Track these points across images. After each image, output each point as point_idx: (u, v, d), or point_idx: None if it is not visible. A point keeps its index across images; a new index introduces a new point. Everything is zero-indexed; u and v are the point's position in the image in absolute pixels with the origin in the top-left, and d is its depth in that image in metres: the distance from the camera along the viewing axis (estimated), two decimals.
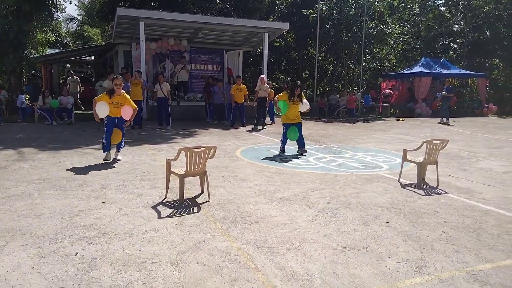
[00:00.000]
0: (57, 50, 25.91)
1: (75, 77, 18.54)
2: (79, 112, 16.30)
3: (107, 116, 7.07)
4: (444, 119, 17.07)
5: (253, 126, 13.74)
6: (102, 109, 6.92)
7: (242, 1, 22.47)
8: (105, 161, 7.23)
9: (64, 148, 8.55)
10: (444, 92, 17.31)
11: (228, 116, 14.38)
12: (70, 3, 78.50)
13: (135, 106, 7.35)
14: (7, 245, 3.52)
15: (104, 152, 7.30)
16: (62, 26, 35.93)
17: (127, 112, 7.15)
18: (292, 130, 8.49)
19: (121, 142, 7.51)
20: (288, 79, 30.10)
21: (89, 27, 37.17)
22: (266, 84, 13.80)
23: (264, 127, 13.70)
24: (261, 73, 17.28)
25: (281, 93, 8.64)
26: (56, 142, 9.38)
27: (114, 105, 7.02)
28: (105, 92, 7.15)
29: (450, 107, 18.45)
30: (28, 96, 15.99)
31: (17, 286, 2.83)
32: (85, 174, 6.29)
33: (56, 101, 13.55)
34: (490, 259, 3.44)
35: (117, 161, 7.33)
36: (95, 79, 25.41)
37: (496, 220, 4.46)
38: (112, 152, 7.54)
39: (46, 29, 21.49)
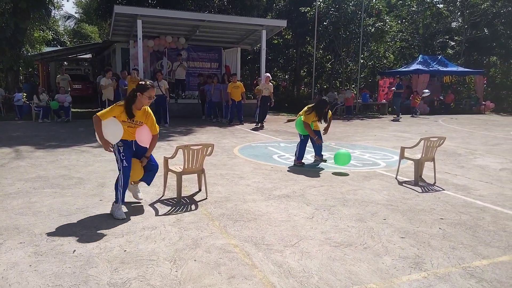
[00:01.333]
0: (54, 48, 25.84)
1: (65, 75, 18.43)
2: (76, 110, 16.25)
3: (121, 141, 4.35)
4: (400, 115, 17.61)
5: (254, 124, 13.43)
6: (113, 129, 4.27)
7: None
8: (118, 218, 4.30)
9: (61, 146, 8.53)
10: (393, 88, 17.78)
11: (226, 114, 14.37)
12: (68, 1, 78.31)
13: (157, 130, 4.55)
14: (4, 243, 3.52)
15: (116, 203, 4.36)
16: (59, 23, 35.84)
17: (143, 136, 4.48)
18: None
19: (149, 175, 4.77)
20: (286, 76, 30.09)
21: (87, 24, 37.05)
22: (270, 83, 13.49)
23: (263, 125, 13.35)
24: (259, 71, 17.28)
25: (307, 113, 7.00)
26: (54, 140, 9.36)
27: (130, 123, 4.33)
28: (119, 103, 4.36)
29: (402, 103, 19.05)
30: (25, 94, 15.93)
31: (14, 284, 2.83)
32: (82, 172, 6.28)
33: (56, 103, 13.50)
34: (486, 256, 3.46)
35: (139, 200, 4.86)
36: (93, 77, 25.37)
37: (493, 217, 4.48)
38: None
39: (43, 27, 21.37)
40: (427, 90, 19.79)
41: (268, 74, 13.64)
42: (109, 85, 12.05)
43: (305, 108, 7.20)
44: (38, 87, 14.64)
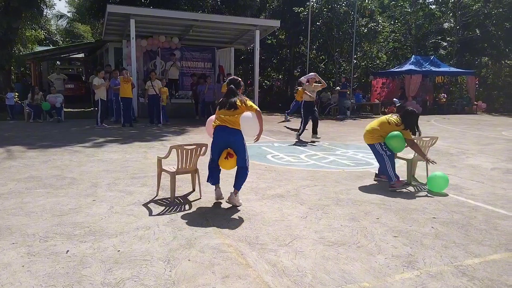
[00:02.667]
0: (47, 48, 25.65)
1: (61, 74, 18.32)
2: (69, 109, 16.15)
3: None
4: (347, 114, 18.02)
5: (297, 139, 10.61)
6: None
7: None
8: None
9: (54, 146, 8.48)
10: (337, 88, 18.08)
11: None
12: (60, 0, 77.66)
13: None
14: None
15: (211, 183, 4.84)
16: (51, 23, 35.56)
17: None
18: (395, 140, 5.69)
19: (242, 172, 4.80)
20: (280, 76, 30.11)
21: (79, 24, 36.79)
22: (315, 84, 10.55)
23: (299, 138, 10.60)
24: (253, 71, 17.27)
25: (404, 128, 5.66)
26: (46, 140, 9.30)
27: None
28: None
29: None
30: (17, 94, 15.81)
31: (6, 284, 2.81)
32: (75, 172, 6.25)
33: (48, 104, 13.39)
34: (478, 254, 3.50)
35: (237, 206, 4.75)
36: (85, 76, 25.21)
37: (485, 216, 4.53)
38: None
39: (35, 26, 21.23)
40: (397, 100, 20.44)
41: (313, 74, 10.75)
42: (102, 85, 11.98)
43: (385, 119, 5.79)
44: (33, 87, 14.47)
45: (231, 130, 4.58)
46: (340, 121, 16.56)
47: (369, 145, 5.97)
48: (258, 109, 4.69)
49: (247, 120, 4.57)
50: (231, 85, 4.76)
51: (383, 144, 5.75)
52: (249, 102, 4.67)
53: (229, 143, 4.65)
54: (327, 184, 5.82)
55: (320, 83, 10.63)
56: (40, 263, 3.14)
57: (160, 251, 3.40)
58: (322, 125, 14.38)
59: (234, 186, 4.74)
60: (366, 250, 3.53)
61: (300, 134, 10.57)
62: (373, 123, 5.95)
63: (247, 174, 4.82)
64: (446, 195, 5.38)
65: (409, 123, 5.67)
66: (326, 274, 3.08)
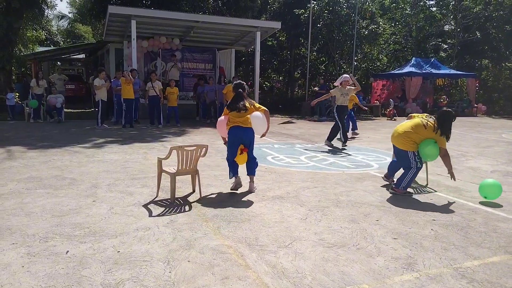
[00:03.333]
0: (48, 48, 25.70)
1: (62, 75, 18.31)
2: (69, 110, 16.17)
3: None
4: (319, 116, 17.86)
5: (334, 144, 9.72)
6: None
7: (234, 0, 22.47)
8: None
9: (54, 147, 8.49)
10: (316, 88, 18.13)
11: (219, 115, 14.36)
12: (61, 1, 77.76)
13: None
14: None
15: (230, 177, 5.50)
16: (52, 23, 35.63)
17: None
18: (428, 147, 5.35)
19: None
20: (280, 78, 30.13)
21: (81, 24, 36.86)
22: (348, 87, 9.40)
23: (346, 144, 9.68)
24: (253, 72, 17.29)
25: (440, 134, 5.25)
26: (46, 141, 9.31)
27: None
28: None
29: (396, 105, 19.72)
30: (17, 94, 15.81)
31: (6, 285, 2.82)
32: (75, 172, 6.25)
33: (35, 101, 13.31)
34: (477, 256, 3.50)
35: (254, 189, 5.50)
36: (86, 77, 25.25)
37: (484, 218, 4.53)
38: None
39: (37, 27, 21.28)
40: (392, 101, 20.61)
41: (347, 75, 9.63)
42: (103, 86, 12.00)
43: (420, 121, 5.31)
44: (37, 73, 14.29)
45: (244, 129, 5.29)
46: (319, 122, 16.51)
47: (399, 149, 5.44)
48: (266, 109, 5.45)
49: (257, 119, 5.21)
50: (239, 89, 5.38)
51: (416, 154, 5.30)
52: (257, 104, 5.41)
53: (243, 140, 5.34)
54: (327, 186, 5.82)
55: (354, 85, 9.58)
56: (40, 263, 3.15)
57: (160, 252, 3.41)
58: (322, 127, 14.40)
59: (249, 174, 5.54)
60: (365, 252, 3.54)
61: (345, 142, 9.50)
62: (406, 124, 5.43)
63: (257, 162, 5.63)
64: (500, 206, 5.03)
65: (446, 128, 5.22)
66: (326, 275, 3.08)
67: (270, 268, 3.18)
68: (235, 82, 5.59)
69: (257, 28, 16.47)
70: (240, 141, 5.32)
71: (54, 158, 7.32)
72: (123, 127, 12.27)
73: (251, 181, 5.51)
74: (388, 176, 5.96)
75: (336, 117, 9.46)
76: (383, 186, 5.89)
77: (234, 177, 5.47)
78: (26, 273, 2.98)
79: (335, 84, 9.70)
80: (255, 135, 5.44)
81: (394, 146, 5.59)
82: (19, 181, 5.66)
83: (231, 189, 5.47)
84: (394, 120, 18.55)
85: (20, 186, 5.40)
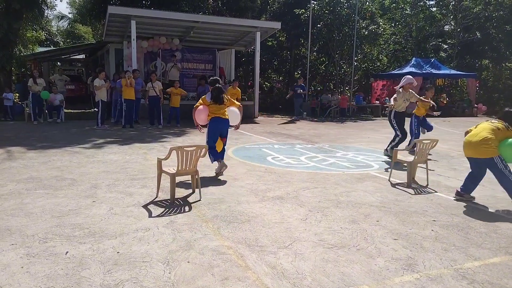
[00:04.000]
0: (48, 48, 25.68)
1: (63, 75, 18.27)
2: (69, 110, 16.16)
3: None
4: (298, 116, 17.69)
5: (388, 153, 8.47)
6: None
7: (234, 0, 22.45)
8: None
9: (54, 147, 8.48)
10: (296, 89, 17.83)
11: None
12: (61, 1, 77.72)
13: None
14: None
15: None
16: (52, 24, 35.62)
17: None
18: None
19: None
20: (280, 78, 30.13)
21: (80, 25, 36.84)
22: (410, 91, 8.15)
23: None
24: (253, 72, 17.28)
25: (502, 128, 4.93)
26: (46, 141, 9.30)
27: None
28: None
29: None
30: (17, 95, 15.79)
31: (5, 286, 2.81)
32: (75, 173, 6.24)
33: (47, 92, 13.11)
34: (478, 257, 3.49)
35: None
36: (86, 77, 25.22)
37: (484, 219, 4.52)
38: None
39: (36, 27, 21.25)
40: (388, 98, 20.47)
41: (410, 77, 8.18)
42: (103, 86, 11.99)
43: (491, 125, 4.98)
44: (32, 72, 13.93)
45: (223, 120, 6.19)
46: (293, 123, 16.27)
47: (482, 159, 4.96)
48: (240, 105, 6.50)
49: (234, 113, 6.34)
50: (217, 84, 6.17)
51: (501, 157, 4.89)
52: (231, 99, 6.43)
53: (222, 130, 6.21)
54: (327, 186, 5.81)
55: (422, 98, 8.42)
56: (39, 264, 3.14)
57: (160, 253, 3.40)
58: (322, 127, 14.40)
59: (219, 158, 6.24)
60: (365, 252, 3.53)
61: (394, 146, 7.99)
62: (480, 131, 4.98)
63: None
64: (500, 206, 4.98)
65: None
66: (326, 276, 3.07)
67: (270, 269, 3.18)
68: (211, 78, 6.39)
69: (257, 28, 16.47)
70: (220, 131, 6.18)
71: (54, 159, 7.31)
72: (123, 127, 12.26)
73: (220, 163, 6.20)
74: (465, 192, 5.30)
75: (395, 125, 8.19)
76: (383, 187, 5.88)
77: (216, 161, 6.21)
78: (25, 274, 2.98)
79: (396, 88, 8.27)
80: (230, 125, 6.42)
81: (472, 159, 5.10)
82: (19, 181, 5.66)
83: (216, 173, 6.19)
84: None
85: (20, 186, 5.39)
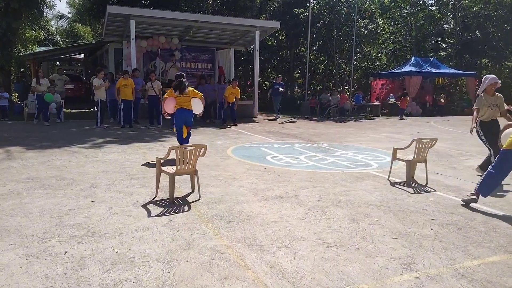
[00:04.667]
0: (47, 48, 25.67)
1: (63, 75, 18.24)
2: (68, 110, 16.15)
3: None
4: (278, 114, 17.48)
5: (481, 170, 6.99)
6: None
7: None
8: None
9: (53, 147, 8.47)
10: (275, 87, 17.38)
11: (219, 114, 14.38)
12: (60, 1, 77.61)
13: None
14: None
15: None
16: (52, 23, 35.57)
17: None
18: None
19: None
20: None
21: (80, 24, 36.83)
22: (498, 94, 6.58)
23: None
24: (253, 72, 17.25)
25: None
26: (45, 141, 9.29)
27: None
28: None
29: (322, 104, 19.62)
30: (17, 94, 15.77)
31: (4, 286, 2.81)
32: (74, 173, 6.24)
33: (51, 95, 12.93)
34: (477, 256, 3.49)
35: None
36: (86, 77, 25.21)
37: (484, 218, 4.52)
38: None
39: (36, 27, 21.24)
40: (393, 95, 20.48)
41: (493, 77, 6.53)
42: (102, 86, 11.97)
43: None
44: (37, 78, 13.54)
45: (187, 111, 7.13)
46: (275, 120, 16.20)
47: None
48: (202, 95, 7.24)
49: (197, 103, 7.08)
50: (181, 79, 6.92)
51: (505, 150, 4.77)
52: (194, 91, 7.18)
53: (186, 119, 7.23)
54: (326, 186, 5.81)
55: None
56: (38, 264, 3.14)
57: (159, 252, 3.40)
58: (321, 126, 14.40)
59: (186, 141, 7.40)
60: (365, 251, 3.53)
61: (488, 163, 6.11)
62: None
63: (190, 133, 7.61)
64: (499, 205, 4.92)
65: None
66: (325, 275, 3.07)
67: (269, 268, 3.17)
68: (176, 74, 7.30)
69: (256, 28, 16.47)
70: (185, 119, 7.21)
71: (53, 158, 7.30)
72: (122, 127, 12.25)
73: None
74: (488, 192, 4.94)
75: (483, 137, 6.79)
76: (382, 186, 5.88)
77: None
78: (24, 274, 2.97)
79: (478, 92, 6.80)
80: (194, 113, 7.27)
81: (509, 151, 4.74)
82: (18, 181, 5.65)
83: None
84: (404, 120, 18.48)
85: (19, 186, 5.39)
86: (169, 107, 7.06)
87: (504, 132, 4.98)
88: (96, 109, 12.32)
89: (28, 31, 18.73)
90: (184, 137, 7.37)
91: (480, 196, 4.95)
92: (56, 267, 3.09)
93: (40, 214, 4.30)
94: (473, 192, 5.01)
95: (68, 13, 39.44)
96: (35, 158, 7.28)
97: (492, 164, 4.92)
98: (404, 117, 19.06)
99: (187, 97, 7.00)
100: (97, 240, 3.63)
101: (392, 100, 20.58)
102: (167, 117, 7.47)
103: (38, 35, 19.98)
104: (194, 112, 7.18)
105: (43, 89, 12.56)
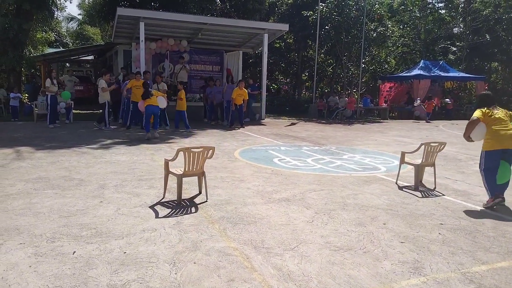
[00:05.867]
0: (57, 49, 25.90)
1: (72, 76, 18.39)
2: (77, 111, 16.28)
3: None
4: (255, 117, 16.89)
5: None
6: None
7: (242, 2, 22.49)
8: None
9: (62, 147, 8.55)
10: (249, 89, 16.81)
11: (226, 116, 14.40)
12: (71, 2, 78.39)
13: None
14: (4, 244, 3.52)
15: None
16: (62, 25, 35.91)
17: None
18: (504, 166, 5.02)
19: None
20: (287, 80, 30.13)
21: (89, 26, 37.15)
22: None
23: None
24: (261, 74, 17.24)
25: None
26: (54, 141, 9.38)
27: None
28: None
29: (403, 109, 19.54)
30: (27, 95, 15.92)
31: (14, 284, 2.84)
32: (83, 173, 6.29)
33: (68, 93, 12.85)
34: (485, 261, 3.46)
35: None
36: (95, 78, 25.38)
37: (492, 223, 4.48)
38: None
39: (46, 28, 21.47)
40: (419, 99, 20.34)
41: None
42: (108, 89, 11.95)
43: (505, 113, 5.14)
44: (50, 71, 13.42)
45: (155, 106, 10.33)
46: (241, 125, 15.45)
47: None
48: (164, 94, 11.16)
49: (161, 100, 10.61)
50: (147, 86, 10.68)
51: (485, 152, 5.08)
52: (157, 92, 11.10)
53: (154, 112, 10.36)
54: (333, 189, 5.80)
55: None
56: (47, 263, 3.17)
57: (166, 254, 3.41)
58: (329, 129, 14.37)
59: (154, 128, 10.66)
60: (372, 255, 3.51)
61: None
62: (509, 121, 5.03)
63: (158, 122, 10.97)
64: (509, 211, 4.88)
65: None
66: (332, 279, 3.06)
67: (276, 270, 3.17)
68: (143, 82, 11.07)
69: (264, 30, 16.49)
70: (152, 112, 10.31)
71: (62, 159, 7.37)
72: (127, 128, 12.30)
73: (152, 133, 10.45)
74: (499, 194, 5.02)
75: None
76: (390, 189, 5.85)
77: (149, 133, 10.31)
78: (33, 273, 3.00)
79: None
80: (161, 108, 10.67)
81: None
82: (28, 181, 5.71)
83: (146, 139, 10.10)
84: (429, 122, 18.49)
85: (29, 186, 5.44)
86: (142, 106, 10.44)
87: (477, 129, 5.08)
88: (106, 111, 12.22)
89: (38, 32, 18.95)
90: (151, 122, 10.44)
91: (485, 200, 4.93)
92: (65, 267, 3.11)
93: (49, 214, 4.34)
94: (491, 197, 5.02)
95: (78, 14, 39.83)
96: (44, 159, 7.35)
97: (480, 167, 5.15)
98: (429, 121, 19.07)
99: (153, 97, 10.28)
100: (105, 240, 3.66)
101: (445, 103, 20.43)
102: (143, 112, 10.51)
103: (48, 36, 20.23)
104: (160, 106, 10.50)
105: (57, 89, 12.57)
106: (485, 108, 5.11)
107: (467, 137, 5.17)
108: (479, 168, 5.16)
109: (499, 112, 5.11)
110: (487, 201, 5.06)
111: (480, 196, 5.58)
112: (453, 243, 3.85)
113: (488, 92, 5.46)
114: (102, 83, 11.95)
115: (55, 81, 12.55)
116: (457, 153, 9.49)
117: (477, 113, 5.07)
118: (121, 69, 16.50)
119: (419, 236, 3.99)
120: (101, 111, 12.42)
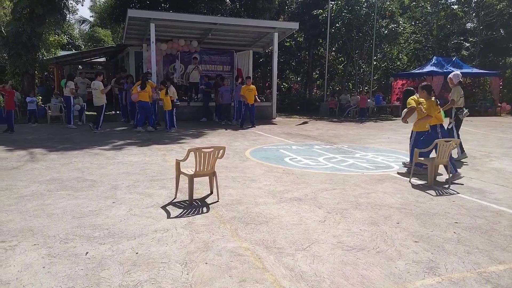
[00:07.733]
0: (69, 52, 26.20)
1: (85, 79, 18.57)
2: (90, 113, 16.43)
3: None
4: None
5: None
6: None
7: (252, 1, 22.45)
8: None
9: (75, 149, 8.64)
10: (202, 87, 15.95)
11: (236, 116, 14.39)
12: (82, 5, 79.30)
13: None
14: (19, 244, 3.56)
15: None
16: (74, 27, 36.31)
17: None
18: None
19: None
20: (298, 79, 30.02)
21: (101, 28, 37.49)
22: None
23: None
24: (271, 73, 17.19)
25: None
26: (67, 143, 9.48)
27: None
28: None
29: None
30: (40, 98, 16.11)
31: (28, 285, 2.86)
32: (95, 174, 6.34)
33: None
34: (502, 261, 3.39)
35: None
36: (107, 80, 25.59)
37: (509, 221, 4.39)
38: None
39: (59, 31, 21.72)
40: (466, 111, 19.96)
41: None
42: (106, 89, 11.93)
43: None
44: (71, 74, 13.54)
45: (145, 102, 11.66)
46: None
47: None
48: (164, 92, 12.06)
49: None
50: (143, 78, 11.72)
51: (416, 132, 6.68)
52: (149, 88, 11.89)
53: (145, 107, 11.62)
54: (346, 188, 5.75)
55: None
56: (60, 264, 3.19)
57: (178, 254, 3.41)
58: (341, 128, 14.28)
59: (151, 125, 11.88)
60: (385, 255, 3.47)
61: None
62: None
63: (153, 117, 12.39)
64: None
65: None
66: (345, 279, 3.03)
67: (288, 271, 3.15)
68: (143, 74, 11.76)
69: (274, 29, 16.45)
70: (142, 107, 11.69)
71: (75, 160, 7.44)
72: (133, 128, 12.36)
73: (146, 128, 11.97)
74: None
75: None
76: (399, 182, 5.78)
77: (140, 127, 11.75)
78: (46, 274, 3.03)
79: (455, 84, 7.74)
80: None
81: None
82: (41, 182, 5.78)
83: (143, 131, 11.61)
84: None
85: (42, 187, 5.51)
86: (135, 98, 11.59)
87: (411, 114, 6.42)
88: (103, 113, 12.11)
89: (51, 35, 19.16)
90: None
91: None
92: (78, 268, 3.13)
93: (62, 215, 4.38)
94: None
95: (90, 17, 40.22)
96: (57, 160, 7.43)
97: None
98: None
99: (145, 91, 11.52)
100: (118, 241, 3.67)
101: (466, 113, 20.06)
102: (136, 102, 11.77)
103: (61, 39, 20.43)
104: (150, 101, 11.88)
105: (77, 90, 12.80)
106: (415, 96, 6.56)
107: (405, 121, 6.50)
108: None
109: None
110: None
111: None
112: (469, 242, 3.78)
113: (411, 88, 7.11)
114: (99, 85, 11.71)
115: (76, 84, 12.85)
116: (472, 150, 9.33)
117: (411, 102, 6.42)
118: (121, 70, 16.69)
119: (434, 235, 3.93)
120: (96, 113, 12.24)
